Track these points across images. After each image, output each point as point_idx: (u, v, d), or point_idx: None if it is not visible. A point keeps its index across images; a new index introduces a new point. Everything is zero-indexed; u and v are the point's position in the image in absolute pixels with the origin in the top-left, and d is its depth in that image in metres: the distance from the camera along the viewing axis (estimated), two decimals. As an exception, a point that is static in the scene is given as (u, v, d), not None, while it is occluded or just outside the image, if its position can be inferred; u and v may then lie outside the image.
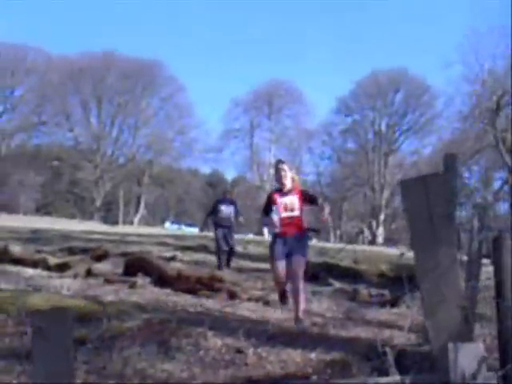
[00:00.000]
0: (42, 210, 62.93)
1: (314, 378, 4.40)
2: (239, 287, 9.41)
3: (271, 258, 6.79)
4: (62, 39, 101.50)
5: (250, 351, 5.02)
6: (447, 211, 2.57)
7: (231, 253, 12.58)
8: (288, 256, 6.60)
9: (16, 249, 11.09)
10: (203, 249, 15.96)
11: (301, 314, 6.47)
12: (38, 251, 12.40)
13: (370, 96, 61.30)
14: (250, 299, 8.48)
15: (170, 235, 23.40)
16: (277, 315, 7.08)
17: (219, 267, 11.84)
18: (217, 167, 70.80)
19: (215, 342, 5.33)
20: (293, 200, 6.85)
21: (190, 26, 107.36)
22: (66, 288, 8.10)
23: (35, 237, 18.32)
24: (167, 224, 61.65)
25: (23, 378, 4.36)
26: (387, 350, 3.38)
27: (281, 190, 6.92)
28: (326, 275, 10.89)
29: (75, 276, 9.57)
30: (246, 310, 7.40)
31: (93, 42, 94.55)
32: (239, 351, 5.13)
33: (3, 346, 5.28)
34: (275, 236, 6.85)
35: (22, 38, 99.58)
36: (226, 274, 10.90)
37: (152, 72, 64.59)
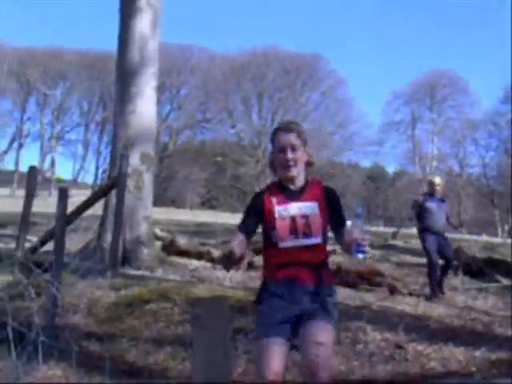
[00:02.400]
0: (207, 204, 65.25)
1: (478, 377, 4.25)
2: (400, 282, 9.27)
3: (257, 335, 3.12)
4: (224, 38, 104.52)
5: (410, 347, 4.93)
6: None
7: (447, 268, 8.90)
8: (297, 324, 3.22)
9: (182, 241, 11.52)
10: (364, 243, 15.85)
11: None
12: (203, 244, 12.84)
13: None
14: (411, 294, 8.33)
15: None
16: (439, 311, 6.89)
17: (432, 293, 8.37)
18: (377, 160, 69.99)
19: (374, 336, 5.28)
20: (309, 210, 3.46)
21: (349, 19, 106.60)
22: (229, 279, 8.34)
23: (200, 230, 19.04)
24: (328, 218, 61.83)
25: (187, 364, 4.55)
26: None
27: (283, 187, 3.54)
28: (492, 271, 10.44)
29: (237, 268, 9.81)
30: (407, 304, 7.25)
31: (254, 39, 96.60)
32: (399, 346, 5.05)
33: (170, 333, 5.54)
34: (265, 283, 3.42)
35: (187, 38, 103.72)
36: (385, 268, 10.78)
37: (312, 66, 64.92)
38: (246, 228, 3.46)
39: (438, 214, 9.00)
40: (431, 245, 8.77)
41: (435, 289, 8.45)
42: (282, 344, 3.16)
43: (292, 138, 3.52)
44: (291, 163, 3.47)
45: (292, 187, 3.51)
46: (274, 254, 3.43)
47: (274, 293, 3.33)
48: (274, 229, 3.40)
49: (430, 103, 64.27)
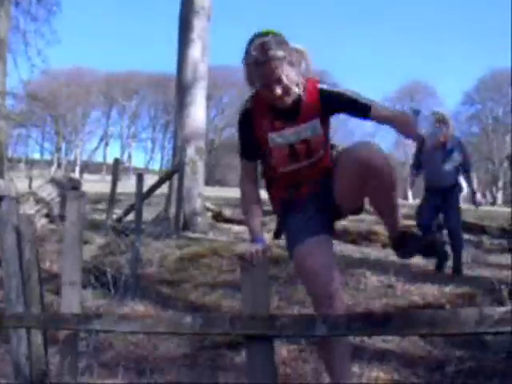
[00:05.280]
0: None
1: (448, 306, 4.27)
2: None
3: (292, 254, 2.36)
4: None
5: (399, 286, 4.96)
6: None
7: None
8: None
9: (227, 212, 11.59)
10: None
11: None
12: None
13: (489, 89, 56.50)
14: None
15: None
16: (418, 260, 6.83)
17: None
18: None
19: (372, 279, 5.30)
20: (309, 132, 2.18)
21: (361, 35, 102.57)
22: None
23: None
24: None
25: (235, 302, 4.61)
26: (502, 286, 3.24)
27: (274, 108, 2.17)
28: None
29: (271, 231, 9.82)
30: (395, 256, 7.20)
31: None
32: (390, 286, 5.07)
33: (221, 280, 5.59)
34: (282, 205, 2.42)
35: (229, 59, 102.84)
36: (379, 228, 10.65)
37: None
38: (251, 155, 2.34)
39: None
40: None
41: None
42: (311, 243, 2.25)
43: (274, 71, 2.05)
44: (282, 94, 2.10)
45: (285, 104, 2.15)
46: (275, 178, 2.38)
47: (291, 214, 2.35)
48: (270, 156, 2.28)
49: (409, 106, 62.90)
